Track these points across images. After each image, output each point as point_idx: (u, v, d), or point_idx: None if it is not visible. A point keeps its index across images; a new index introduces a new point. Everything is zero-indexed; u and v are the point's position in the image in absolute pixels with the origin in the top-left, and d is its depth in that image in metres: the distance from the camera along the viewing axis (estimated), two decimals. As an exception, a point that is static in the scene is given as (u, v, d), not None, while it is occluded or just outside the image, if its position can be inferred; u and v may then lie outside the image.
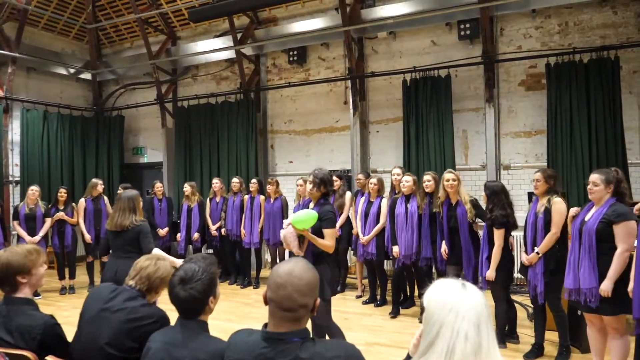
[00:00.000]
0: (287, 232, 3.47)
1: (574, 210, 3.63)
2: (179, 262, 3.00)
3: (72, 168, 9.22)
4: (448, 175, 4.71)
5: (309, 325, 1.65)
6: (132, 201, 3.88)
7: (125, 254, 3.77)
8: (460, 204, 4.64)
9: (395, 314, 5.44)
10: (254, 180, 6.91)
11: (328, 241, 3.44)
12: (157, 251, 3.84)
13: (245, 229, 6.83)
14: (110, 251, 3.93)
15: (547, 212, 3.87)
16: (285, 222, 3.58)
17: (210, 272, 1.84)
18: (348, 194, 6.34)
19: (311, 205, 3.67)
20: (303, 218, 3.39)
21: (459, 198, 4.67)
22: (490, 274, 4.19)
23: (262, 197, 6.89)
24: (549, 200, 3.89)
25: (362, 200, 5.94)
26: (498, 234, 4.18)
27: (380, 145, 7.75)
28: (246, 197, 6.90)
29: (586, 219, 3.38)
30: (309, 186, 3.60)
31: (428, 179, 5.11)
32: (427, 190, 5.11)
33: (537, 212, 3.95)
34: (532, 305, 4.70)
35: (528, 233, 4.03)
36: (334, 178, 6.13)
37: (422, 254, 5.13)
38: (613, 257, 3.19)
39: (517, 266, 6.44)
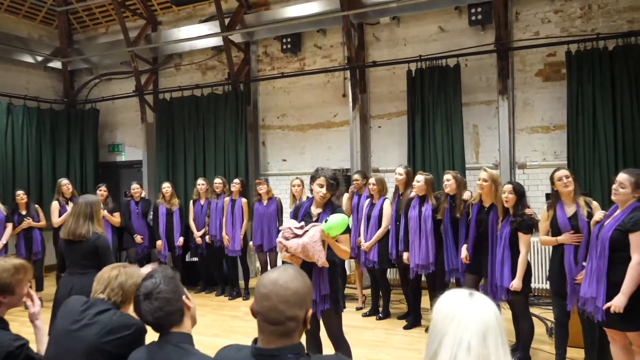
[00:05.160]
0: (309, 242, 3.36)
1: (599, 214, 3.61)
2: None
3: (40, 167, 9.12)
4: (481, 174, 4.59)
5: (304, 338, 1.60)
6: (90, 207, 3.74)
7: (82, 269, 3.66)
8: (494, 209, 4.46)
9: (412, 324, 5.44)
10: (236, 181, 6.87)
11: (347, 247, 3.50)
12: None
13: (227, 235, 6.79)
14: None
15: (590, 215, 3.82)
16: (288, 229, 3.48)
17: (169, 275, 1.90)
18: (346, 195, 6.32)
19: (314, 209, 3.64)
20: (339, 223, 3.36)
21: (494, 202, 4.47)
22: (517, 283, 4.12)
23: (244, 199, 6.85)
24: (585, 202, 3.87)
25: (365, 203, 5.92)
26: (525, 240, 4.15)
27: (383, 142, 7.73)
28: (227, 199, 6.86)
29: (606, 223, 3.38)
30: (322, 189, 3.52)
31: (448, 178, 5.03)
32: (447, 191, 5.05)
33: (574, 217, 3.90)
34: (551, 320, 4.67)
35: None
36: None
37: (448, 266, 5.06)
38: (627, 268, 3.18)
39: (540, 276, 6.49)
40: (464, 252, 4.76)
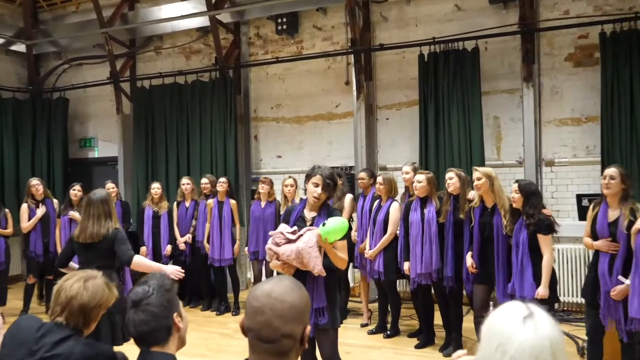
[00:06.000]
0: (304, 247, 3.37)
1: None
2: (167, 268, 3.62)
3: (1, 164, 9.09)
4: (474, 173, 4.72)
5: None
6: (107, 204, 4.00)
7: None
8: (497, 210, 4.58)
9: (424, 343, 5.42)
10: (222, 180, 6.91)
11: (344, 255, 3.53)
12: (139, 258, 3.96)
13: (212, 242, 6.81)
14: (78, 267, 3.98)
15: (632, 227, 3.79)
16: (279, 234, 3.49)
17: (164, 286, 1.89)
18: (349, 197, 6.32)
19: (308, 213, 3.65)
20: (339, 227, 3.38)
21: (495, 200, 4.61)
22: (544, 290, 4.14)
23: (233, 201, 6.92)
24: (632, 211, 3.85)
25: (370, 205, 5.93)
26: (547, 241, 4.18)
27: (391, 136, 7.73)
28: (210, 201, 6.88)
29: None
30: (316, 189, 3.53)
31: (450, 176, 5.05)
32: (450, 191, 5.06)
33: (614, 224, 3.90)
34: (583, 338, 4.66)
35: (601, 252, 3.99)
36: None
37: (445, 273, 5.09)
38: None
39: (569, 288, 6.46)
40: (469, 260, 4.79)
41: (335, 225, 3.37)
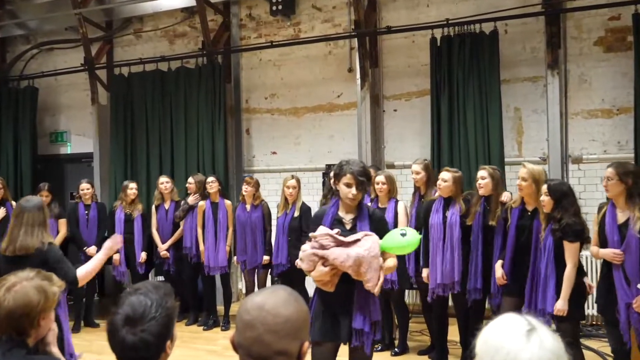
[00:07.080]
0: (366, 255, 3.34)
1: None
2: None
3: (-37, 161, 9.12)
4: (520, 170, 4.68)
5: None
6: (42, 212, 3.91)
7: None
8: (538, 214, 4.52)
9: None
10: (211, 179, 6.94)
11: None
12: (82, 272, 3.88)
13: (207, 248, 6.83)
14: None
15: None
16: (327, 236, 3.47)
17: (167, 308, 1.84)
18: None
19: (345, 215, 3.66)
20: (416, 242, 3.50)
21: (537, 205, 4.53)
22: (562, 305, 4.13)
23: (228, 202, 6.98)
24: None
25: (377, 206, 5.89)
26: (572, 250, 4.17)
27: (399, 130, 7.75)
28: (202, 203, 6.92)
29: None
30: (351, 190, 3.50)
31: (483, 175, 5.04)
32: (481, 193, 5.06)
33: (625, 227, 3.95)
34: (612, 355, 4.68)
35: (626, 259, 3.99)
36: (332, 175, 6.10)
37: (471, 285, 5.06)
38: None
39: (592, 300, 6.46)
40: (499, 270, 4.75)
41: (414, 239, 3.46)
